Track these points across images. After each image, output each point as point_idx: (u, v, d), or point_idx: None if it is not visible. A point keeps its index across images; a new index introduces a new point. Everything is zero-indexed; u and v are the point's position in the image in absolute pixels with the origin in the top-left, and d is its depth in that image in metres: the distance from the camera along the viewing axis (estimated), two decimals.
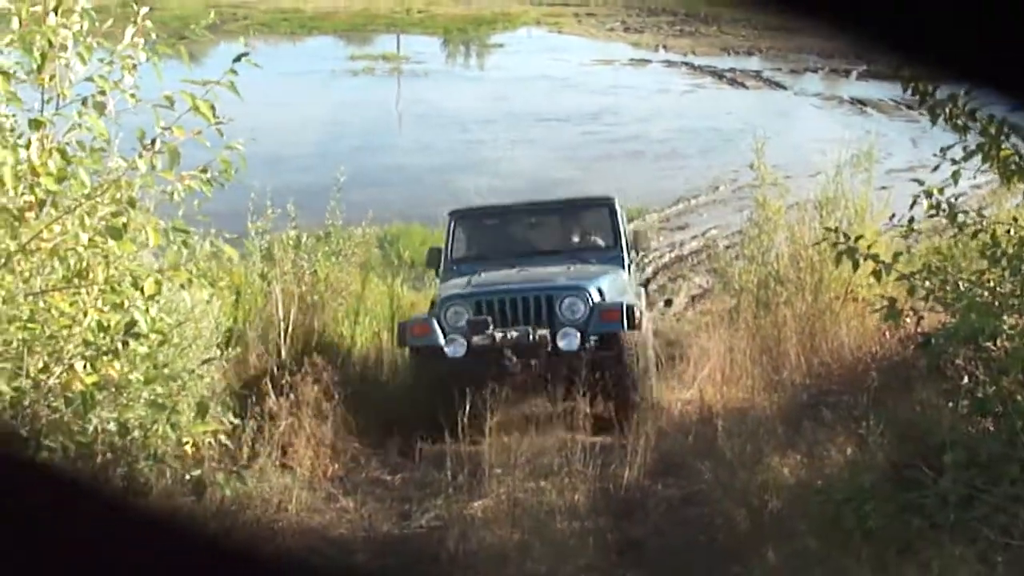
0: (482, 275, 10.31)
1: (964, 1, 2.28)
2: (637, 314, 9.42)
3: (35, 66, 5.13)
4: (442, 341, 9.38)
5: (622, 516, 7.26)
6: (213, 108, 5.16)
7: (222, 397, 6.39)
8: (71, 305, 5.27)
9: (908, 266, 6.60)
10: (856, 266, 6.51)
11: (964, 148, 5.99)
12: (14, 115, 5.24)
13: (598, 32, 42.68)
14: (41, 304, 5.25)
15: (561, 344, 9.22)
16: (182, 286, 5.67)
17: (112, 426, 5.37)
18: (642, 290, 12.12)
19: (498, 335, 9.24)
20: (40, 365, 5.21)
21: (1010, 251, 5.85)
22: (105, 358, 5.30)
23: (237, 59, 5.34)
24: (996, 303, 5.90)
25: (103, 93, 5.19)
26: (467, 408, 7.95)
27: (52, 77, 5.16)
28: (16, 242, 5.10)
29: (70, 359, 5.22)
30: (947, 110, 5.93)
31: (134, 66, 5.32)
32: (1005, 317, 5.77)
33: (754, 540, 5.95)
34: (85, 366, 5.23)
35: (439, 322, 9.54)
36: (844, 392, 7.79)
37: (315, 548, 6.83)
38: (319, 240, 11.22)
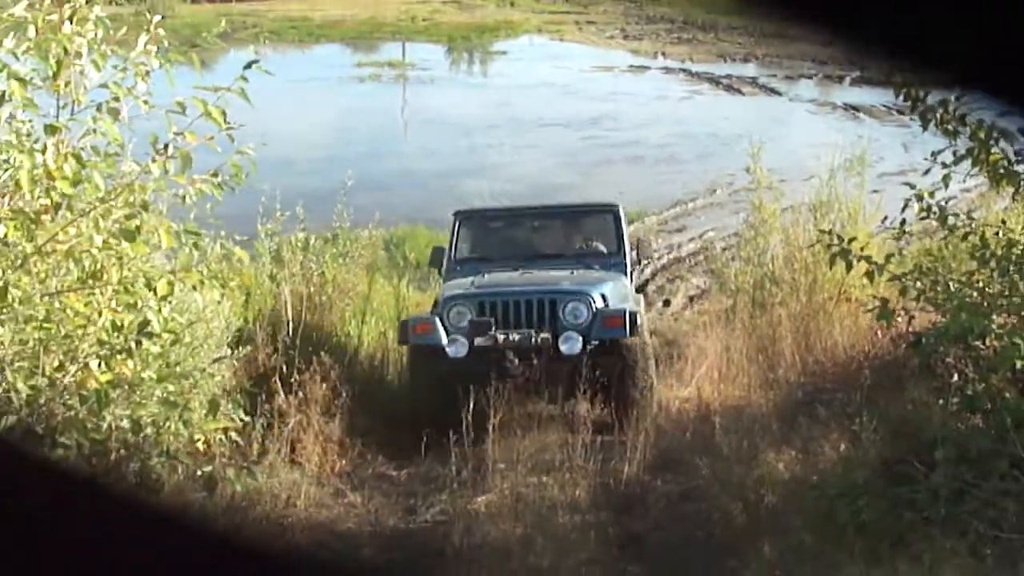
0: (485, 276, 10.20)
1: (956, 7, 2.28)
2: (639, 321, 9.37)
3: (51, 73, 5.14)
4: (444, 341, 9.26)
5: (622, 511, 7.26)
6: (224, 114, 5.16)
7: (232, 395, 6.38)
8: (86, 305, 5.27)
9: (900, 267, 6.60)
10: (849, 267, 6.52)
11: (954, 152, 6.00)
12: (30, 120, 5.24)
13: (598, 40, 42.67)
14: (57, 304, 5.26)
15: (563, 348, 9.09)
16: (194, 287, 5.67)
17: (126, 423, 5.37)
18: (640, 297, 12.08)
19: (500, 337, 9.13)
20: (56, 364, 5.22)
21: (999, 253, 5.85)
22: (119, 357, 5.30)
23: (248, 66, 5.34)
24: (985, 303, 5.91)
25: (117, 99, 5.20)
26: (471, 406, 7.88)
27: (67, 84, 5.17)
28: (32, 244, 5.11)
29: (85, 358, 5.23)
30: (938, 115, 5.94)
31: (147, 73, 5.33)
32: (994, 317, 5.78)
33: (750, 534, 5.95)
34: (100, 365, 5.23)
35: (442, 321, 9.41)
36: (838, 390, 7.80)
37: (323, 542, 6.83)
38: (327, 242, 11.22)
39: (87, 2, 5.18)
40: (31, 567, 1.71)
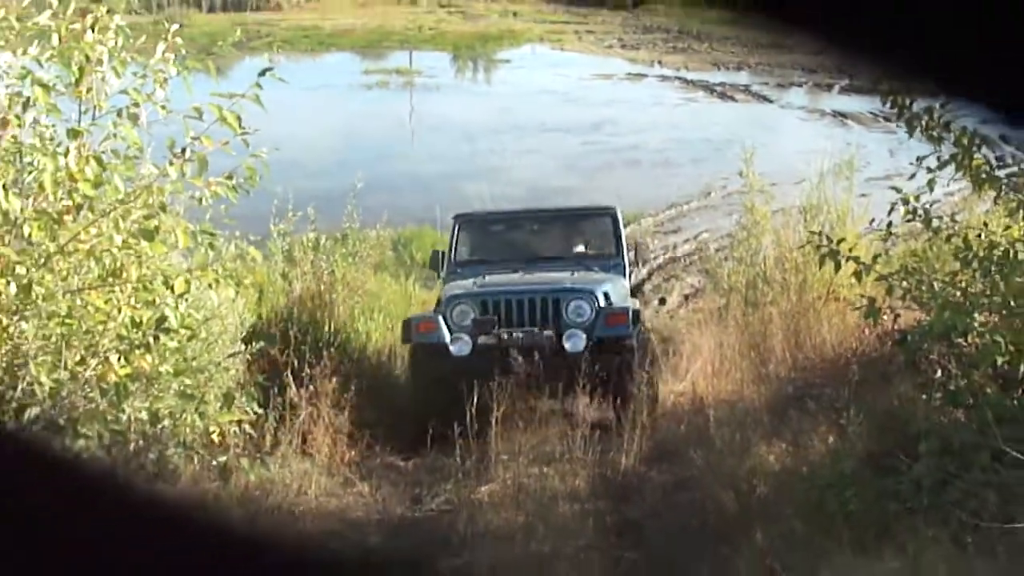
0: (486, 277, 10.09)
1: (941, 17, 2.28)
2: (642, 319, 9.27)
3: (73, 79, 5.15)
4: (447, 339, 9.14)
5: (620, 500, 7.26)
6: (239, 119, 5.17)
7: (246, 388, 6.38)
8: (106, 302, 5.28)
9: (886, 267, 6.60)
10: (838, 267, 6.52)
11: (938, 158, 6.00)
12: (53, 125, 5.26)
13: (597, 49, 42.62)
14: (78, 301, 5.27)
15: (567, 346, 8.97)
16: (209, 285, 5.66)
17: (144, 415, 5.37)
18: (635, 300, 12.01)
19: (504, 335, 9.04)
20: (77, 358, 5.23)
21: (981, 254, 5.85)
22: (138, 352, 5.31)
23: (262, 74, 5.36)
24: (968, 302, 5.90)
25: (136, 105, 5.20)
26: (475, 400, 7.86)
27: (89, 90, 5.18)
28: (55, 243, 5.12)
29: (105, 352, 5.24)
30: (923, 122, 5.95)
31: (165, 80, 5.34)
32: (976, 315, 5.77)
33: (743, 523, 5.95)
34: (119, 359, 5.24)
35: (445, 320, 9.29)
36: (826, 385, 7.79)
37: (333, 529, 6.84)
38: (337, 242, 11.22)
39: (108, 12, 5.19)
40: (40, 556, 1.71)
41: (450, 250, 11.13)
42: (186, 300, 5.51)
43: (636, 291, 12.90)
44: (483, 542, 6.39)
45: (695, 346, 10.93)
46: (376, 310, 11.40)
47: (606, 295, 9.52)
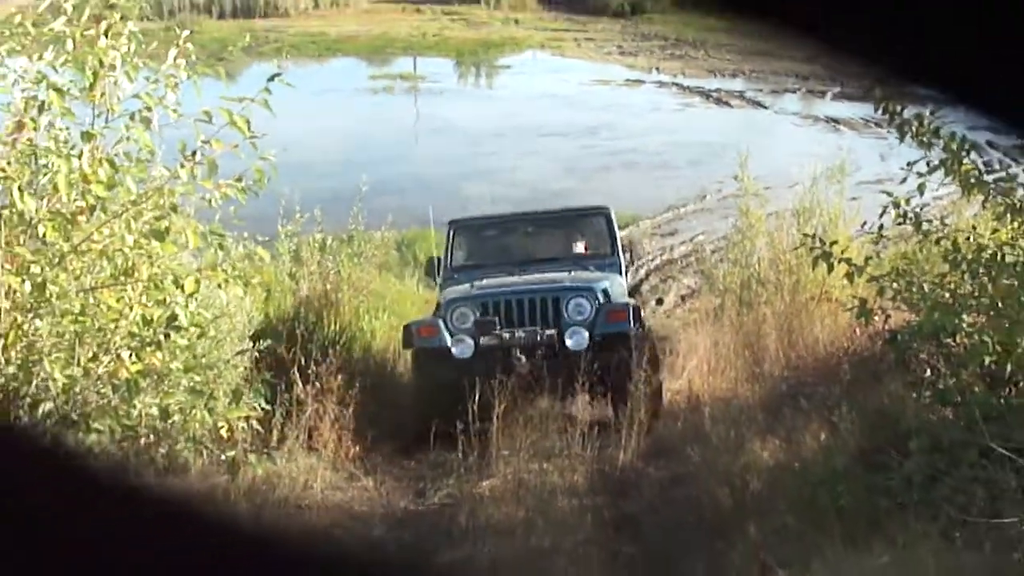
0: (484, 280, 9.89)
1: (933, 23, 2.28)
2: (642, 315, 9.16)
3: (87, 84, 5.16)
4: (449, 342, 8.95)
5: (618, 495, 7.26)
6: (248, 123, 5.18)
7: (254, 385, 6.38)
8: (118, 301, 5.29)
9: (877, 269, 6.60)
10: (830, 269, 6.52)
11: (928, 163, 6.00)
12: (68, 128, 5.27)
13: (596, 55, 42.57)
14: (91, 300, 5.28)
15: (569, 343, 8.81)
16: (219, 284, 5.68)
17: (155, 410, 5.38)
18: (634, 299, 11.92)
19: (505, 335, 8.87)
20: (90, 355, 5.24)
21: (969, 256, 5.85)
22: (149, 349, 5.32)
23: (271, 79, 5.37)
24: (956, 303, 5.90)
25: (148, 109, 5.22)
26: (476, 397, 7.79)
27: (102, 94, 5.19)
28: (69, 243, 5.13)
29: (117, 349, 5.25)
30: (913, 128, 5.94)
31: (176, 84, 5.36)
32: (964, 316, 5.78)
33: (737, 517, 5.95)
34: (131, 356, 5.25)
35: (445, 324, 9.10)
36: (819, 383, 7.79)
37: (338, 522, 6.84)
38: (343, 243, 11.21)
39: (121, 18, 5.20)
40: (46, 549, 1.70)
41: (446, 255, 10.88)
42: (196, 299, 5.51)
43: (634, 291, 12.85)
44: (484, 535, 6.39)
45: (691, 345, 10.92)
46: (381, 309, 11.38)
47: (605, 292, 9.38)
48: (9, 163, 5.04)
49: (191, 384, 5.72)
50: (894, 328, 6.45)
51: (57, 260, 5.11)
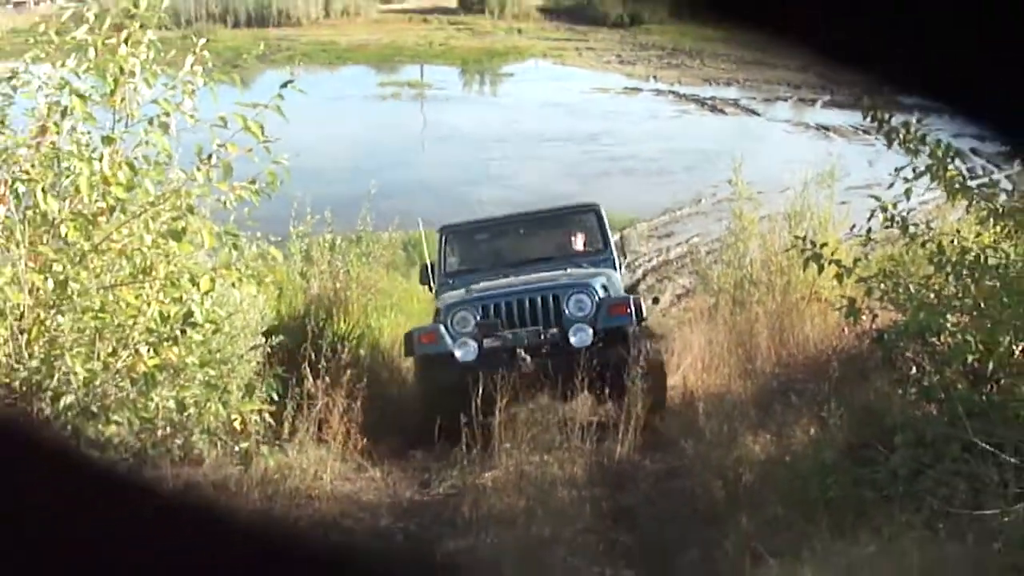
0: (481, 283, 9.58)
1: (921, 33, 2.28)
2: (643, 308, 8.93)
3: (108, 90, 5.18)
4: (451, 347, 8.63)
5: (615, 487, 7.26)
6: (262, 128, 5.19)
7: (266, 379, 6.37)
8: (136, 298, 5.30)
9: (865, 271, 6.59)
10: (820, 270, 6.52)
11: (915, 169, 6.00)
12: (89, 132, 5.28)
13: (596, 64, 42.53)
14: (111, 297, 5.29)
15: (573, 340, 8.54)
16: (233, 283, 5.69)
17: (171, 403, 5.39)
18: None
19: (508, 336, 8.64)
20: (109, 350, 5.25)
21: (953, 259, 5.85)
22: (166, 344, 5.33)
23: (284, 85, 5.37)
24: (941, 304, 5.91)
25: (167, 114, 5.23)
26: (479, 393, 7.66)
27: (123, 100, 5.20)
28: (90, 243, 5.14)
29: (135, 345, 5.26)
30: (901, 135, 5.95)
31: (193, 91, 5.37)
32: (948, 316, 5.78)
33: (730, 508, 5.95)
34: (148, 351, 5.25)
35: (445, 329, 8.79)
36: (809, 380, 7.79)
37: (346, 511, 6.85)
38: (352, 243, 11.24)
39: (140, 27, 5.21)
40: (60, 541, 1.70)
41: (439, 261, 10.54)
42: (211, 296, 5.52)
43: (631, 291, 12.80)
44: (487, 524, 6.39)
45: (686, 343, 10.92)
46: (388, 307, 11.40)
47: (604, 287, 9.18)
48: (33, 166, 5.06)
49: (206, 378, 5.73)
50: (881, 327, 6.46)
51: (78, 259, 5.12)
